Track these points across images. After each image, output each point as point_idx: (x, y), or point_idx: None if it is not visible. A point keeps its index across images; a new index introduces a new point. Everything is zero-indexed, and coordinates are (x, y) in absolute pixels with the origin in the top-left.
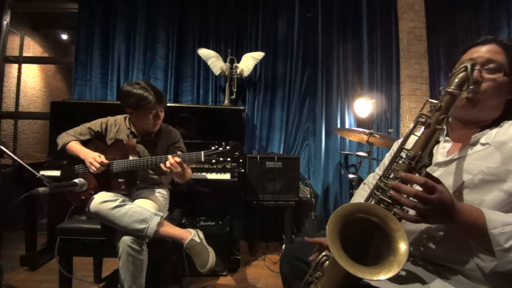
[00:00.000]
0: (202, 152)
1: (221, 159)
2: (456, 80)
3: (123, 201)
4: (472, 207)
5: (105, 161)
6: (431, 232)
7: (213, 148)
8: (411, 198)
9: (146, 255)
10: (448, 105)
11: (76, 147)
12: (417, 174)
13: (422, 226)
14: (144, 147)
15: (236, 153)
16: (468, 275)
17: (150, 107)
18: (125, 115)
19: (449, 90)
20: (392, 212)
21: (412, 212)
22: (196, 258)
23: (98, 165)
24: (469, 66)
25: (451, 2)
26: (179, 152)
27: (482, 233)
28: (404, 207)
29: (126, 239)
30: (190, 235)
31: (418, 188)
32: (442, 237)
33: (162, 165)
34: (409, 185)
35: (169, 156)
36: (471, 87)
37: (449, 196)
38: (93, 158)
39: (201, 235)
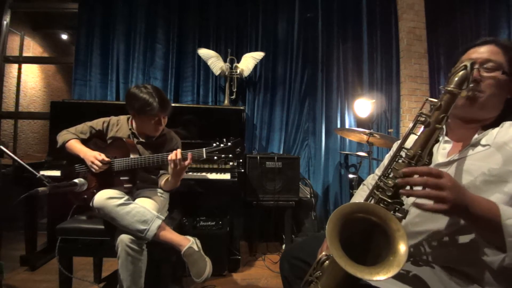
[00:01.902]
0: (204, 149)
1: (222, 155)
2: (456, 79)
3: (128, 199)
4: (484, 198)
5: (106, 159)
6: (435, 233)
7: (214, 144)
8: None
9: (146, 255)
10: (448, 104)
11: (75, 146)
12: (414, 176)
13: (425, 227)
14: (144, 148)
15: (238, 149)
16: (472, 276)
17: (152, 114)
18: (128, 115)
19: (449, 89)
20: (393, 212)
21: (417, 212)
22: (193, 266)
23: (99, 164)
24: (468, 65)
25: (451, 2)
26: (178, 150)
27: (494, 224)
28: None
29: (124, 239)
30: (189, 242)
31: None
32: (447, 238)
33: (169, 156)
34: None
35: (178, 150)
36: (471, 85)
37: (457, 182)
38: (94, 157)
39: (199, 244)
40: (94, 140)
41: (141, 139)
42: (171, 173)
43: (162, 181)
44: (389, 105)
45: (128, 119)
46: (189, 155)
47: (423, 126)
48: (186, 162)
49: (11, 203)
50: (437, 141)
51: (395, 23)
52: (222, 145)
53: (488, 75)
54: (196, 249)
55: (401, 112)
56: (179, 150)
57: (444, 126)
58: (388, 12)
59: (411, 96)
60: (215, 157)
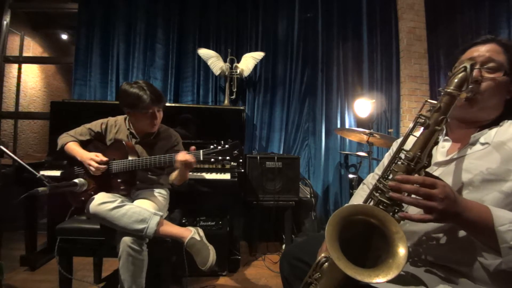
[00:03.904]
0: (201, 151)
1: (220, 157)
2: (456, 80)
3: (122, 201)
4: (478, 204)
5: (104, 159)
6: (434, 233)
7: (211, 147)
8: (413, 196)
9: (146, 255)
10: (447, 106)
11: (73, 149)
12: (416, 175)
13: (425, 226)
14: (143, 148)
15: (235, 151)
16: (471, 276)
17: (145, 107)
18: (125, 115)
19: (448, 90)
20: (392, 214)
21: (416, 211)
22: (197, 256)
23: (96, 165)
24: (468, 66)
25: (451, 2)
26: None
27: (488, 230)
28: (405, 207)
29: (127, 240)
30: (190, 233)
31: None
32: (445, 237)
33: (177, 156)
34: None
35: (182, 152)
36: (470, 86)
37: (452, 191)
38: (91, 159)
39: (201, 233)
40: (94, 143)
41: (139, 138)
42: (180, 171)
43: (172, 177)
44: (389, 105)
45: (125, 119)
46: (188, 157)
47: (422, 128)
48: (193, 161)
49: (11, 203)
50: (436, 143)
51: (395, 23)
52: (219, 147)
53: (489, 76)
54: (198, 238)
55: (401, 112)
56: (182, 153)
57: (444, 126)
58: (388, 12)
59: (411, 96)
60: (212, 159)
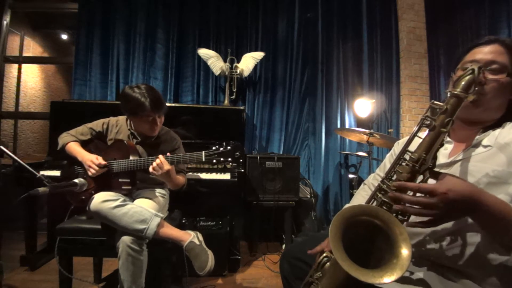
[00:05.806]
0: (203, 152)
1: (221, 159)
2: (463, 83)
3: (124, 200)
4: (496, 198)
5: (103, 162)
6: (437, 233)
7: (214, 148)
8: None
9: (146, 255)
10: (454, 108)
11: (74, 149)
12: (418, 179)
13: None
14: (144, 149)
15: (237, 153)
16: (473, 277)
17: (145, 115)
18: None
19: (455, 92)
20: (396, 215)
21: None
22: (195, 260)
23: (96, 168)
24: (476, 69)
25: (451, 2)
26: (168, 154)
27: (505, 225)
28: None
29: (126, 239)
30: (190, 237)
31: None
32: (448, 238)
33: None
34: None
35: (160, 156)
36: (476, 88)
37: (460, 192)
38: (91, 161)
39: (201, 237)
40: (95, 142)
41: (140, 139)
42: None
43: None
44: (389, 105)
45: (127, 119)
46: (162, 159)
47: (427, 130)
48: (164, 169)
49: (11, 203)
50: (441, 145)
51: (395, 23)
52: (221, 148)
53: (492, 78)
54: (197, 243)
55: (401, 112)
56: (160, 156)
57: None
58: (388, 12)
59: (411, 96)
60: (214, 161)
